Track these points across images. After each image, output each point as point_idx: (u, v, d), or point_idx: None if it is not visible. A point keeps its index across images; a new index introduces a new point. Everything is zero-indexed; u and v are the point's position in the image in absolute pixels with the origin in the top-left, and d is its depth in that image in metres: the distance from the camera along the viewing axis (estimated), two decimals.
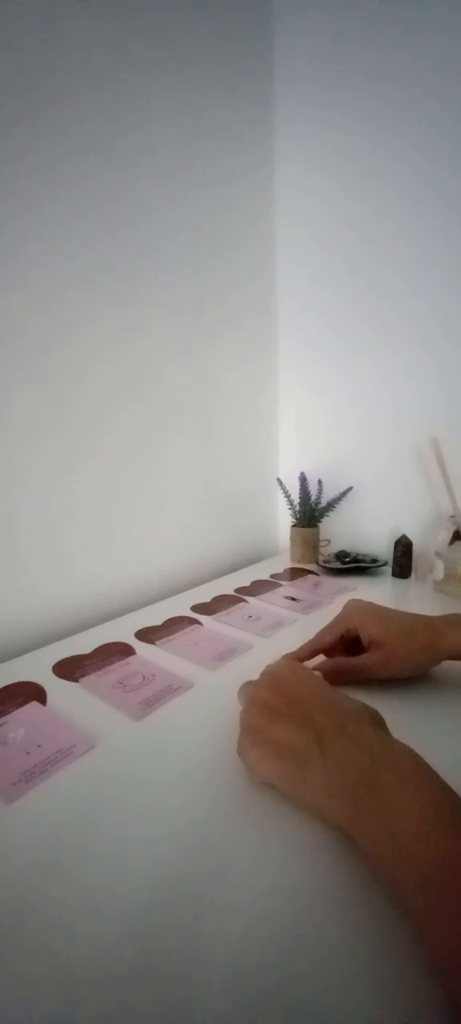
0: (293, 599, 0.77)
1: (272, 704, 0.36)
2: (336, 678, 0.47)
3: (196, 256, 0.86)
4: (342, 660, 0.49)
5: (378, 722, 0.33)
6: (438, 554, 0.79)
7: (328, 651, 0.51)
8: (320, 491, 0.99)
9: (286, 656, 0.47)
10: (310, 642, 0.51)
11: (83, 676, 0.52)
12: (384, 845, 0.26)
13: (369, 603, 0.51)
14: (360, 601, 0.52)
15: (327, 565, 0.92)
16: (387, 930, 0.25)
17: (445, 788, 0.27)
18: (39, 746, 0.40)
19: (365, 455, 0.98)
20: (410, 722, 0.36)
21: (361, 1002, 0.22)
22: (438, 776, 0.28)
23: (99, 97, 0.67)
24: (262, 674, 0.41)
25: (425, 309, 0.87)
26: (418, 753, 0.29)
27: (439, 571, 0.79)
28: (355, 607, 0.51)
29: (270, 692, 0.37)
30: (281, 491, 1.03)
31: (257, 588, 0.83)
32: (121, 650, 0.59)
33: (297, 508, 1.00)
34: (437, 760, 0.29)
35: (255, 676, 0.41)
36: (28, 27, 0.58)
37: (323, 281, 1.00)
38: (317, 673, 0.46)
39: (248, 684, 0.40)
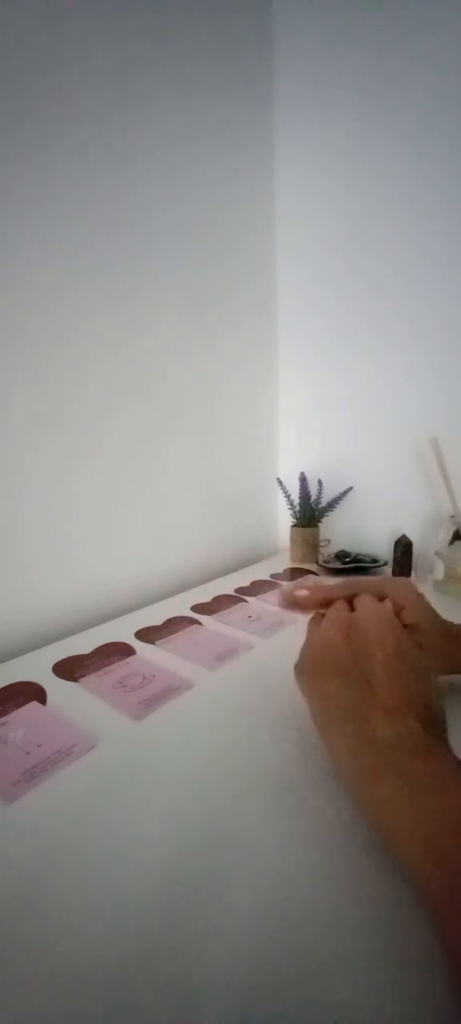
0: None
1: (339, 652, 0.35)
2: None
3: (196, 256, 0.86)
4: None
5: (433, 717, 0.31)
6: (438, 554, 0.79)
7: None
8: (320, 491, 0.99)
9: (375, 607, 0.39)
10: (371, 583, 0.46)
11: (83, 676, 0.52)
12: (406, 835, 0.26)
13: (420, 592, 0.47)
14: (415, 586, 0.48)
15: (327, 565, 0.92)
16: (388, 930, 0.25)
17: None
18: (39, 746, 0.40)
19: (365, 455, 0.98)
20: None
21: (361, 1002, 0.22)
22: None
23: (99, 97, 0.67)
24: (353, 614, 0.37)
25: (425, 309, 0.87)
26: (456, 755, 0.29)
27: (439, 571, 0.79)
28: (412, 588, 0.46)
29: (344, 638, 0.36)
30: (281, 491, 1.03)
31: (257, 588, 0.83)
32: (121, 650, 0.59)
33: (297, 508, 1.00)
34: None
35: (256, 676, 0.41)
36: (28, 27, 0.58)
37: (323, 281, 1.00)
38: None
39: (334, 610, 0.38)
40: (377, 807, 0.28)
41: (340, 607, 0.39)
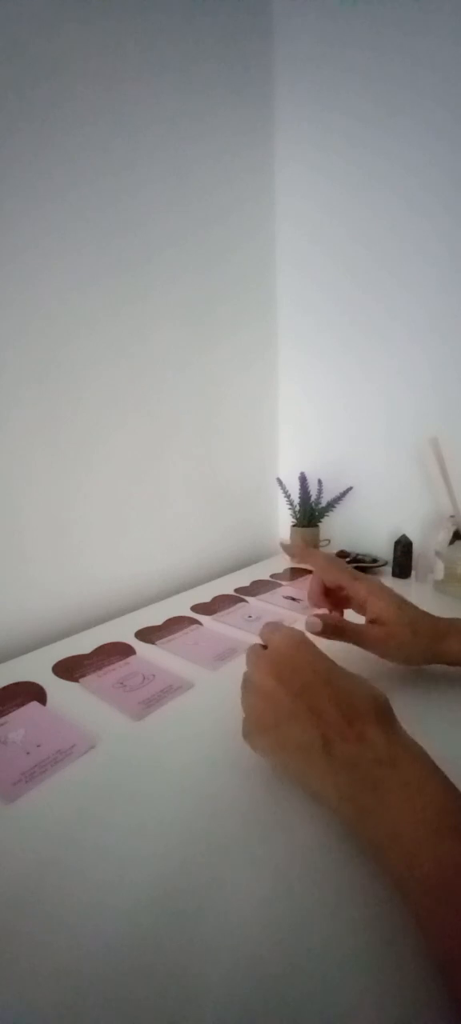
0: (293, 599, 0.77)
1: (276, 696, 0.34)
2: (334, 634, 0.49)
3: (198, 259, 0.86)
4: (345, 620, 0.50)
5: (384, 713, 0.32)
6: (438, 554, 0.79)
7: (327, 594, 0.54)
8: (320, 491, 0.99)
9: (287, 630, 0.39)
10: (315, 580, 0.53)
11: (83, 676, 0.52)
12: (387, 847, 0.26)
13: (384, 584, 0.52)
14: (377, 580, 0.53)
15: None
16: (387, 930, 0.25)
17: (447, 787, 0.27)
18: (39, 746, 0.40)
19: (365, 455, 0.98)
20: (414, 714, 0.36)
21: (361, 1002, 0.22)
22: (441, 774, 0.27)
23: (99, 100, 0.67)
24: (268, 643, 0.38)
25: (424, 310, 0.87)
26: (422, 748, 0.29)
27: (439, 571, 0.79)
28: (370, 581, 0.52)
29: (274, 679, 0.35)
30: (281, 491, 1.03)
31: (257, 588, 0.83)
32: (121, 650, 0.59)
33: (297, 508, 1.00)
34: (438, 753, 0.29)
35: None
36: (28, 29, 0.58)
37: (323, 282, 1.00)
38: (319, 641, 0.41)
39: (251, 655, 0.38)
40: (357, 825, 0.28)
41: (256, 653, 0.38)
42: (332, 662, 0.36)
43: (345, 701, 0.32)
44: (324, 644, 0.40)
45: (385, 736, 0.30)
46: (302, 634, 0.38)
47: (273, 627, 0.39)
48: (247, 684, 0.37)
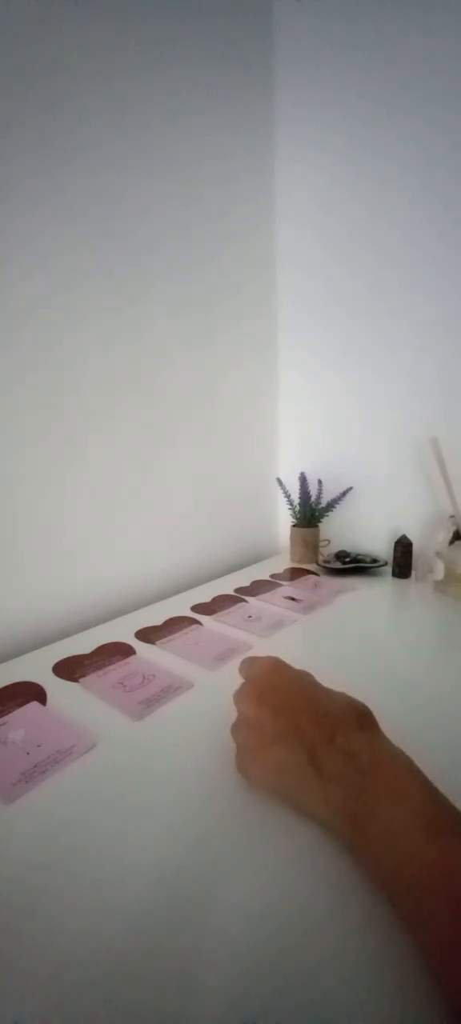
0: (293, 599, 0.77)
1: (261, 720, 0.34)
2: None
3: (197, 257, 0.86)
4: None
5: (365, 722, 0.32)
6: (438, 554, 0.79)
7: None
8: (320, 491, 0.99)
9: (263, 657, 0.40)
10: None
11: (83, 676, 0.52)
12: (380, 855, 0.26)
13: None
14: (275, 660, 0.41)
15: (327, 565, 0.92)
16: (387, 929, 0.25)
17: (432, 791, 0.27)
18: (39, 746, 0.40)
19: (365, 455, 0.98)
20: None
21: (361, 1002, 0.22)
22: (425, 778, 0.28)
23: (99, 99, 0.67)
24: (247, 678, 0.38)
25: (425, 310, 0.87)
26: (406, 754, 0.29)
27: (439, 571, 0.79)
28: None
29: (257, 705, 0.35)
30: (281, 491, 1.03)
31: (257, 588, 0.83)
32: (121, 650, 0.59)
33: (297, 508, 1.00)
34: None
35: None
36: (28, 29, 0.58)
37: (323, 281, 1.00)
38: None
39: (236, 693, 0.38)
40: (350, 835, 0.28)
41: (239, 688, 0.38)
42: (312, 677, 0.37)
43: (327, 714, 0.32)
44: (303, 662, 0.39)
45: (368, 744, 0.30)
46: (278, 658, 0.38)
47: (249, 660, 0.40)
48: (236, 720, 0.37)
